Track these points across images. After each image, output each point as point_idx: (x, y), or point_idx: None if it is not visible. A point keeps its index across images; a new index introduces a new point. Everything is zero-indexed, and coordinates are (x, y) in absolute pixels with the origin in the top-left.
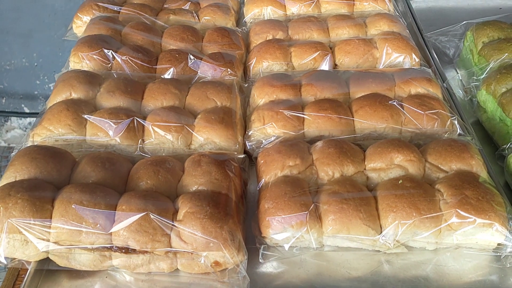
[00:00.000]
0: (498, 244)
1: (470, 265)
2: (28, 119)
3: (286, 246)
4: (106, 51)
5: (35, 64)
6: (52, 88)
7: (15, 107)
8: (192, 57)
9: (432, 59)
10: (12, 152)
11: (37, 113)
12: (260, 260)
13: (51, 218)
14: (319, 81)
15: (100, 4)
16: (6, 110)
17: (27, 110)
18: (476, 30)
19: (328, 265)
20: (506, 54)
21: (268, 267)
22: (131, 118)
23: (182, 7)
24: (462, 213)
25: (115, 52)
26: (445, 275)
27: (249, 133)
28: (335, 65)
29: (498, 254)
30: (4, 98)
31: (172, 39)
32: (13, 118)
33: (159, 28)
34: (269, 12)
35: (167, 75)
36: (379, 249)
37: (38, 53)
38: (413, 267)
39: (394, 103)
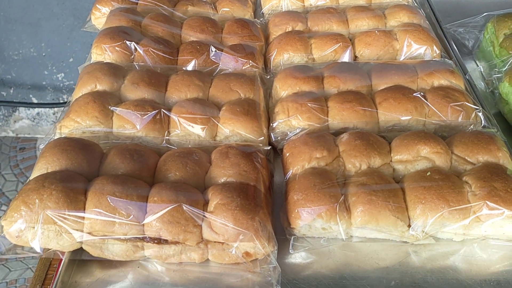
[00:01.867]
0: None
1: (498, 255)
2: (36, 109)
3: (315, 237)
4: (128, 42)
5: (43, 54)
6: (60, 78)
7: (23, 97)
8: (213, 48)
9: (452, 51)
10: (41, 144)
11: (45, 104)
12: (290, 251)
13: (84, 209)
14: (342, 73)
15: None
16: (14, 101)
17: (35, 101)
18: (498, 22)
19: (356, 255)
20: None
21: (297, 257)
22: (157, 110)
23: None
24: (491, 204)
25: (137, 43)
26: (473, 265)
27: (274, 125)
28: (355, 57)
29: None
30: (12, 88)
31: (192, 30)
32: (21, 109)
33: (178, 19)
34: (287, 3)
35: (189, 67)
36: (407, 240)
37: (46, 42)
38: (440, 257)
39: (418, 95)
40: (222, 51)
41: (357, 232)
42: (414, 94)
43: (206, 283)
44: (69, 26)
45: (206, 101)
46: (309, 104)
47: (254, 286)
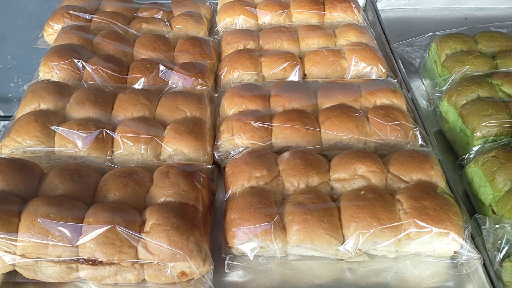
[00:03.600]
0: (455, 252)
1: (429, 272)
2: (2, 122)
3: (251, 256)
4: (76, 61)
5: (9, 66)
6: None
7: None
8: (163, 67)
9: (399, 70)
10: None
11: (11, 116)
12: (226, 270)
13: (17, 231)
14: (288, 92)
15: (71, 12)
16: None
17: (1, 113)
18: (440, 42)
19: (293, 273)
20: (468, 66)
21: (235, 276)
22: (100, 130)
23: (155, 16)
24: (420, 223)
25: (86, 62)
26: (404, 282)
27: (218, 144)
28: (304, 75)
29: (455, 261)
30: None
31: (144, 48)
32: None
33: (132, 37)
34: (241, 21)
35: (138, 85)
36: (342, 258)
37: (12, 55)
38: (374, 274)
39: (359, 114)
40: (172, 69)
41: (294, 250)
42: (356, 113)
43: None
44: (35, 38)
45: (151, 120)
46: (253, 123)
47: None
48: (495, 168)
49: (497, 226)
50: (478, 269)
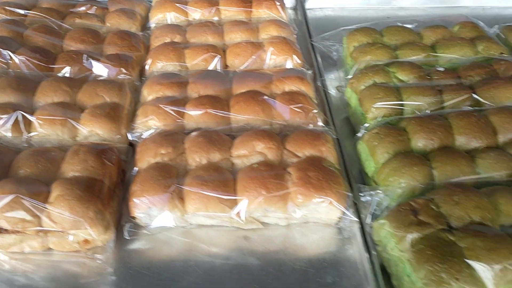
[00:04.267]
0: (339, 219)
1: (316, 237)
2: None
3: (150, 224)
4: (3, 51)
5: None
6: None
7: None
8: (87, 57)
9: (316, 61)
10: None
11: None
12: (126, 237)
13: None
14: (203, 80)
15: (7, 8)
16: None
17: None
18: (349, 36)
19: (193, 242)
20: (370, 56)
21: (137, 245)
22: (17, 112)
23: (89, 12)
24: (303, 190)
25: (13, 52)
26: (295, 247)
27: (133, 126)
28: (226, 66)
29: (339, 227)
30: None
31: (73, 41)
32: None
33: (65, 31)
34: (172, 17)
35: (63, 74)
36: (237, 226)
37: None
38: (268, 241)
39: (265, 98)
40: (98, 60)
41: (193, 220)
42: (262, 97)
43: (45, 270)
44: None
45: (70, 104)
46: (166, 107)
47: (90, 271)
48: (376, 143)
49: (372, 193)
50: (357, 233)
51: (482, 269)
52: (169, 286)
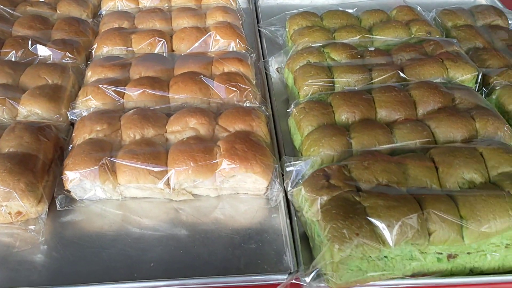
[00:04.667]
0: (267, 189)
1: (245, 207)
2: None
3: (86, 198)
4: None
5: None
6: None
7: None
8: (32, 41)
9: (261, 45)
10: None
11: None
12: (58, 209)
13: None
14: (145, 62)
15: None
16: None
17: None
18: (290, 20)
19: (125, 213)
20: (307, 38)
21: (72, 217)
22: None
23: (40, 0)
24: (229, 161)
25: None
26: (223, 217)
27: (73, 106)
28: (172, 50)
29: (267, 197)
30: None
31: (21, 27)
32: None
33: (16, 19)
34: (123, 4)
35: (9, 58)
36: (170, 198)
37: None
38: (198, 212)
39: (202, 78)
40: (44, 45)
41: (127, 192)
42: (199, 77)
43: None
44: None
45: (12, 86)
46: (105, 87)
47: (22, 242)
48: (301, 117)
49: (295, 163)
50: (282, 201)
51: (382, 226)
52: (98, 253)
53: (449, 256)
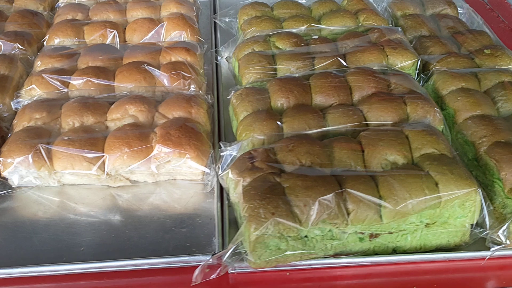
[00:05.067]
0: (204, 174)
1: (181, 192)
2: None
3: (22, 184)
4: None
5: None
6: None
7: None
8: None
9: (215, 36)
10: None
11: None
12: None
13: None
14: (93, 52)
15: None
16: None
17: None
18: (241, 10)
19: (61, 200)
20: (255, 27)
21: (7, 204)
22: None
23: None
24: (163, 146)
25: None
26: (159, 202)
27: (17, 95)
28: (125, 41)
29: (203, 182)
30: None
31: None
32: None
33: None
34: None
35: None
36: (107, 184)
37: None
38: (134, 197)
39: (147, 67)
40: None
41: (65, 179)
42: (145, 66)
43: None
44: None
45: None
46: (49, 76)
47: None
48: (238, 103)
49: (227, 148)
50: (215, 186)
51: (299, 205)
52: (29, 238)
53: (371, 236)
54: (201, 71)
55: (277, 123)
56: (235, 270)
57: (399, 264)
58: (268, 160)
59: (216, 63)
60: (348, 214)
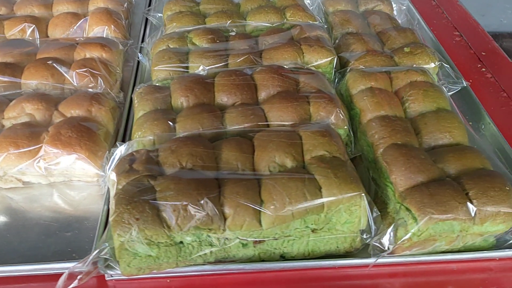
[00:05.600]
0: (98, 176)
1: (74, 194)
2: None
3: None
4: None
5: None
6: None
7: None
8: None
9: (143, 32)
10: None
11: None
12: None
13: None
14: (5, 47)
15: None
16: None
17: None
18: (165, 5)
19: None
20: (175, 23)
21: None
22: None
23: None
24: (50, 147)
25: None
26: (49, 204)
27: None
28: (47, 36)
29: (99, 184)
30: None
31: None
32: None
33: None
34: None
35: None
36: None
37: None
38: (26, 199)
39: (54, 63)
40: None
41: None
42: (52, 63)
43: None
44: None
45: None
46: None
47: None
48: (137, 102)
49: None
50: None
51: (167, 210)
52: None
53: (255, 242)
54: (118, 68)
55: (168, 123)
56: (112, 277)
57: (285, 271)
58: (148, 161)
59: (139, 61)
60: (226, 219)
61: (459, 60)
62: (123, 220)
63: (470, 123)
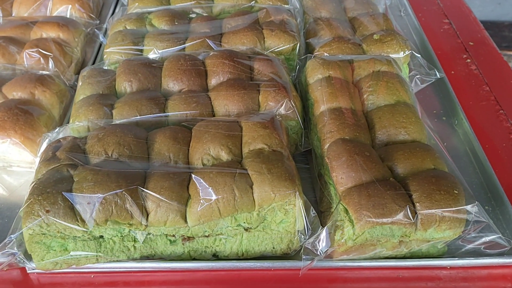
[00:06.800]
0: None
1: (13, 181)
2: None
3: None
4: None
5: None
6: None
7: None
8: None
9: (113, 12)
10: None
11: None
12: None
13: None
14: None
15: None
16: None
17: None
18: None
19: None
20: (137, 3)
21: None
22: None
23: None
24: None
25: None
26: None
27: None
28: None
29: None
30: None
31: None
32: None
33: None
34: None
35: None
36: None
37: None
38: None
39: (5, 44)
40: None
41: None
42: (2, 42)
43: None
44: None
45: None
46: None
47: None
48: (79, 85)
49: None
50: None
51: (81, 203)
52: None
53: (184, 239)
54: (77, 49)
55: (104, 109)
56: (33, 270)
57: (215, 271)
58: (73, 150)
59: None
60: (148, 214)
61: (443, 50)
62: (33, 211)
63: (444, 118)
